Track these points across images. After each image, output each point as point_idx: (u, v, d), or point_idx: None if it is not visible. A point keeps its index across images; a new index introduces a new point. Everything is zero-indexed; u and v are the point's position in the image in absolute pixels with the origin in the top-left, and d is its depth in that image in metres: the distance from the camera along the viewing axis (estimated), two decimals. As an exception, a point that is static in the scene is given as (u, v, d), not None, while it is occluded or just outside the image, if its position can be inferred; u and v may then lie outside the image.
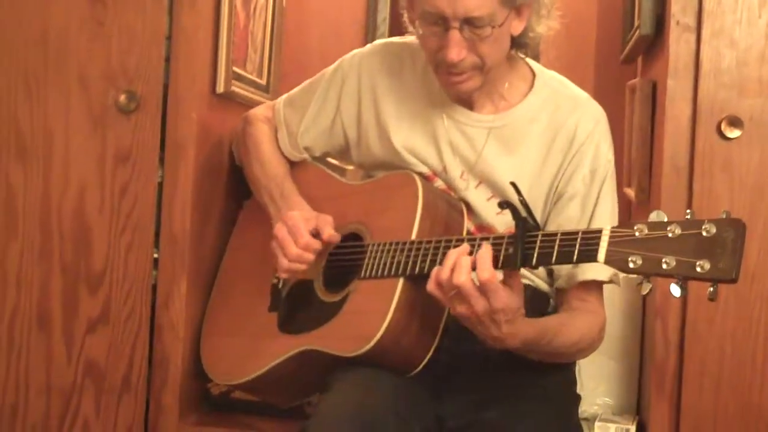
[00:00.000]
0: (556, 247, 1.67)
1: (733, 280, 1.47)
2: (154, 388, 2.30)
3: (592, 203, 2.00)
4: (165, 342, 2.28)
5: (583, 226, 1.96)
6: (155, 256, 2.29)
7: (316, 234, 2.02)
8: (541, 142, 2.02)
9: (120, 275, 2.29)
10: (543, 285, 2.05)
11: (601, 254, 1.58)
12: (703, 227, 1.49)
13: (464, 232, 1.97)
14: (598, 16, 3.23)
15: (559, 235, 1.68)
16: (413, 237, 1.91)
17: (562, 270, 2.00)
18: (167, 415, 2.29)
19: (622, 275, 1.96)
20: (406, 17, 1.99)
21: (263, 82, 2.75)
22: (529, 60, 2.09)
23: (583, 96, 2.08)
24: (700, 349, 2.17)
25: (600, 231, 1.61)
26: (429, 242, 1.86)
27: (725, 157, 2.16)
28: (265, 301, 2.18)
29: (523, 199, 1.74)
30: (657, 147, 2.34)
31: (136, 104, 2.26)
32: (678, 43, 2.19)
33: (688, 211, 1.53)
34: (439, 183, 2.06)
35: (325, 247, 2.04)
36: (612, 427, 2.36)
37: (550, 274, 2.05)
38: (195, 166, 2.27)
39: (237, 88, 2.46)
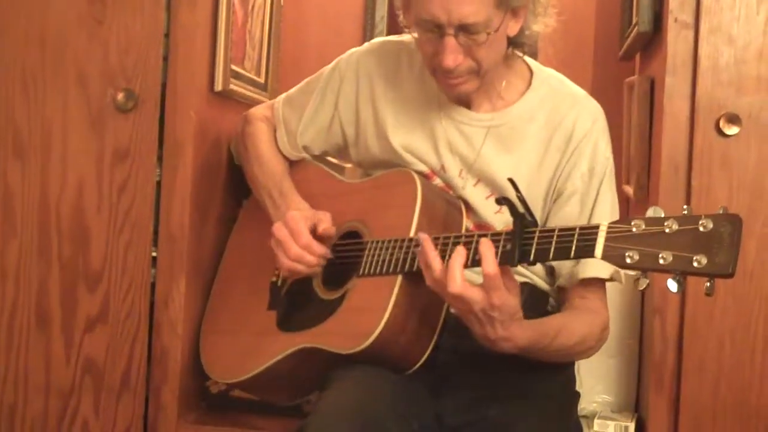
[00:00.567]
0: (553, 243, 1.66)
1: (730, 275, 1.47)
2: (153, 386, 2.31)
3: (591, 201, 2.00)
4: (164, 340, 2.29)
5: (582, 224, 1.96)
6: (154, 254, 2.30)
7: (314, 230, 2.02)
8: (539, 140, 2.02)
9: (119, 273, 2.30)
10: (541, 283, 2.05)
11: (598, 250, 1.58)
12: (700, 222, 1.48)
13: (463, 230, 1.97)
14: (597, 13, 3.23)
15: (556, 231, 1.67)
16: (412, 234, 1.90)
17: (563, 268, 2.00)
18: (166, 413, 2.29)
19: (622, 272, 1.96)
20: (401, 19, 1.99)
21: (261, 80, 2.75)
22: (526, 58, 2.09)
23: (581, 93, 2.08)
24: (699, 346, 2.17)
25: (597, 227, 1.61)
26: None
27: (723, 154, 2.16)
28: (264, 299, 2.18)
29: (521, 195, 1.74)
30: (655, 144, 2.34)
31: (135, 103, 2.26)
32: (676, 40, 2.19)
33: (685, 206, 1.52)
34: (437, 181, 2.06)
35: (323, 244, 2.04)
36: (611, 424, 2.36)
37: (551, 273, 2.05)
38: (193, 164, 2.28)
39: (235, 87, 2.46)
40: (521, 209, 1.71)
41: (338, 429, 1.74)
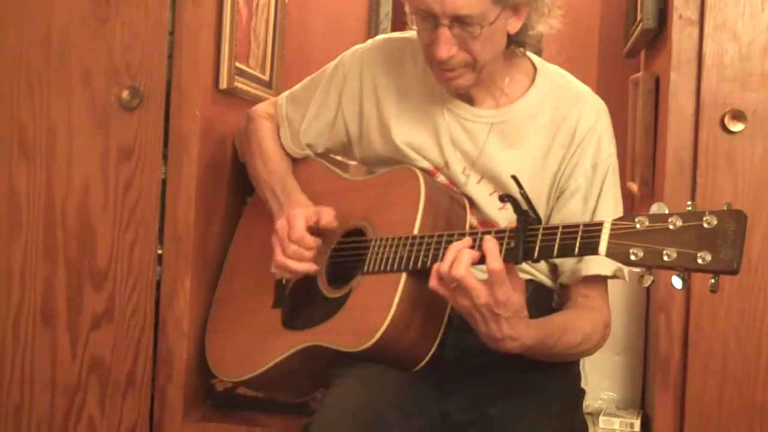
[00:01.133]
0: (557, 241, 1.66)
1: (735, 271, 1.46)
2: (158, 384, 2.31)
3: (594, 198, 1.99)
4: (169, 338, 2.29)
5: (585, 221, 1.96)
6: (159, 252, 2.30)
7: (317, 228, 2.02)
8: (542, 137, 2.02)
9: (124, 272, 2.30)
10: (545, 280, 2.05)
11: (602, 247, 1.58)
12: (704, 219, 1.48)
13: (467, 227, 1.97)
14: (601, 10, 3.23)
15: (560, 228, 1.67)
16: (416, 232, 1.90)
17: (566, 266, 2.00)
18: (172, 411, 2.30)
19: (626, 269, 1.96)
20: (407, 8, 1.99)
21: (266, 77, 2.75)
22: (530, 54, 2.08)
23: (585, 90, 2.07)
24: (704, 342, 2.17)
25: (601, 224, 1.61)
26: (431, 237, 1.86)
27: (728, 151, 2.16)
28: (269, 297, 2.18)
29: (524, 192, 1.74)
30: (660, 141, 2.34)
31: (139, 101, 2.26)
32: (681, 37, 2.19)
33: (689, 203, 1.52)
34: (440, 178, 2.06)
35: (327, 242, 2.04)
36: (616, 421, 2.36)
37: (554, 270, 2.05)
38: (198, 162, 2.28)
39: (240, 84, 2.47)
40: (525, 206, 1.71)
41: (343, 426, 1.74)
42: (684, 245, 1.49)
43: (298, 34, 3.22)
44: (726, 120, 2.15)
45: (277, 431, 2.33)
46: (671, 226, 1.51)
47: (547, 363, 1.92)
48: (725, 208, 1.49)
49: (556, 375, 2.00)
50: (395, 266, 1.89)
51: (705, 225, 1.48)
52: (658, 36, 2.52)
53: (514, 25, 1.93)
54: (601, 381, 2.48)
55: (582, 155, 2.00)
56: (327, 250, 2.07)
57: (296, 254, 2.00)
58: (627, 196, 2.37)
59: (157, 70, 2.27)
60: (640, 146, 2.53)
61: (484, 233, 1.75)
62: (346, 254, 2.04)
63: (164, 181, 2.29)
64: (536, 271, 2.04)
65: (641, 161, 2.51)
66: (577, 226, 1.65)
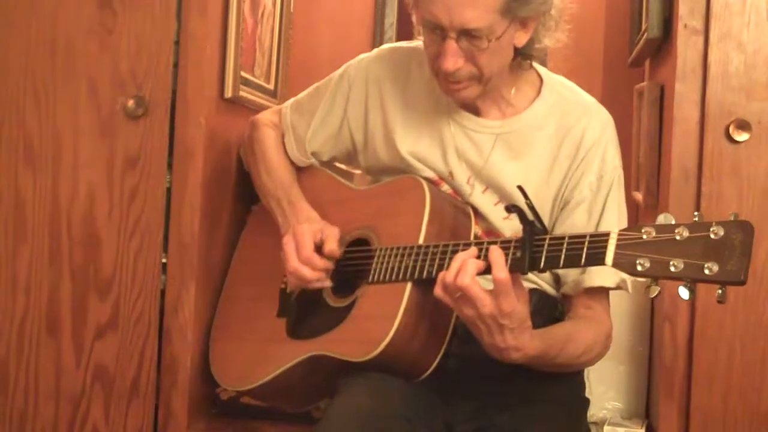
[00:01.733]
0: (563, 251, 1.66)
1: (742, 282, 1.47)
2: (163, 392, 2.30)
3: (598, 210, 1.99)
4: (174, 347, 2.29)
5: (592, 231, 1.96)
6: (164, 260, 2.30)
7: (320, 245, 2.02)
8: (548, 149, 2.02)
9: (129, 280, 2.30)
10: (550, 289, 2.05)
11: (609, 257, 1.58)
12: (711, 229, 1.48)
13: (472, 236, 1.97)
14: (606, 19, 3.24)
15: (566, 238, 1.67)
16: (421, 241, 1.90)
17: (569, 276, 2.00)
18: (176, 419, 2.29)
19: (630, 280, 1.96)
20: (414, 18, 1.99)
21: (271, 87, 2.75)
22: (537, 65, 2.09)
23: (591, 101, 2.08)
24: (709, 352, 2.16)
25: (607, 234, 1.61)
26: (437, 247, 1.86)
27: (733, 161, 2.15)
28: (273, 306, 2.18)
29: (530, 202, 1.74)
30: (665, 150, 2.34)
31: (145, 110, 2.26)
32: (686, 47, 2.19)
33: (695, 213, 1.53)
34: (445, 188, 2.06)
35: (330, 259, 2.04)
36: (621, 431, 2.36)
37: (557, 280, 2.05)
38: (203, 170, 2.28)
39: (245, 93, 2.47)
40: (531, 216, 1.71)
41: (349, 435, 1.74)
42: (691, 256, 1.49)
43: (304, 43, 3.22)
44: (731, 129, 2.15)
45: (282, 440, 2.33)
46: (678, 237, 1.51)
47: (552, 373, 1.92)
48: (732, 218, 1.49)
49: (560, 384, 1.99)
50: (400, 276, 1.89)
51: (712, 236, 1.48)
52: (663, 45, 2.52)
53: (521, 39, 1.94)
54: (605, 390, 2.48)
55: (587, 167, 2.00)
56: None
57: (295, 270, 2.00)
58: (632, 205, 2.37)
59: (162, 80, 2.27)
60: (644, 156, 2.53)
61: (490, 243, 1.75)
62: (351, 263, 2.04)
63: (169, 190, 2.29)
64: (540, 279, 2.04)
65: (646, 171, 2.51)
66: (584, 236, 1.65)
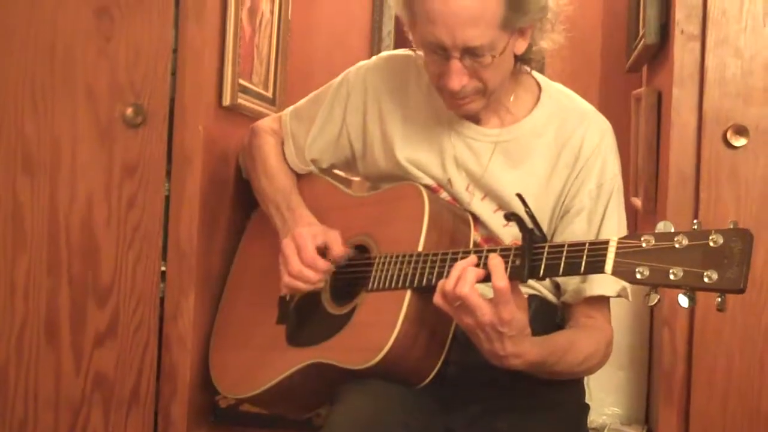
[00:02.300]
0: (563, 259, 1.66)
1: (741, 291, 1.47)
2: (162, 400, 2.30)
3: (598, 218, 1.99)
4: (173, 354, 2.29)
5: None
6: (163, 268, 2.30)
7: (323, 250, 2.02)
8: (547, 157, 2.02)
9: (128, 288, 2.30)
10: (550, 296, 2.04)
11: (608, 265, 1.58)
12: (710, 238, 1.49)
13: (471, 244, 1.97)
14: (603, 25, 3.24)
15: (566, 246, 1.67)
16: (420, 248, 1.91)
17: (569, 285, 1.99)
18: (175, 427, 2.29)
19: (630, 289, 1.96)
20: (411, 38, 1.99)
21: (269, 94, 2.75)
22: (534, 73, 2.09)
23: (590, 110, 2.07)
24: (709, 358, 2.17)
25: (607, 242, 1.61)
26: (436, 254, 1.86)
27: (731, 166, 2.16)
28: (273, 313, 2.18)
29: (530, 210, 1.74)
30: (663, 156, 2.34)
31: (143, 118, 2.26)
32: (683, 52, 2.19)
33: (695, 221, 1.53)
34: (444, 195, 2.06)
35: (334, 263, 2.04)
36: (620, 436, 2.37)
37: (557, 288, 2.05)
38: (202, 178, 2.28)
39: (243, 101, 2.47)
40: (530, 224, 1.71)
41: (349, 443, 1.74)
42: (690, 264, 1.49)
43: (302, 51, 3.23)
44: (728, 135, 2.15)
45: (281, 448, 2.34)
46: (677, 245, 1.51)
47: (551, 379, 1.92)
48: (731, 226, 1.49)
49: (560, 390, 1.99)
50: (400, 283, 1.89)
51: (711, 244, 1.48)
52: (660, 51, 2.52)
53: (520, 46, 1.94)
54: (605, 396, 2.48)
55: (587, 176, 2.00)
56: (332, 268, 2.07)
57: (299, 273, 2.00)
58: (630, 210, 2.37)
59: (160, 88, 2.27)
60: (642, 161, 2.54)
61: (489, 251, 1.75)
62: (351, 271, 2.04)
63: (168, 198, 2.29)
64: (540, 286, 2.03)
65: (644, 176, 2.51)
66: (583, 244, 1.65)
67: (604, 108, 2.11)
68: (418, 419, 1.85)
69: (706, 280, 1.47)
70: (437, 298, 1.74)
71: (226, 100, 2.37)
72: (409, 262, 1.89)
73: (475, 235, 2.00)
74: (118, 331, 2.30)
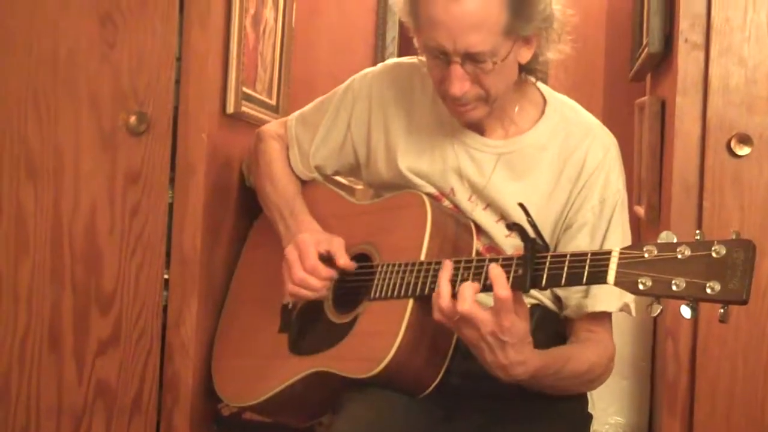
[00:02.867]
0: (565, 269, 1.66)
1: (744, 302, 1.46)
2: (165, 408, 2.30)
3: (601, 233, 1.98)
4: (176, 362, 2.29)
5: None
6: (166, 276, 2.30)
7: (327, 257, 2.02)
8: (550, 170, 2.01)
9: (131, 296, 2.30)
10: (552, 306, 2.04)
11: (611, 276, 1.58)
12: (713, 248, 1.48)
13: (473, 252, 1.97)
14: (607, 34, 3.24)
15: (568, 256, 1.67)
16: (422, 257, 1.90)
17: (571, 300, 1.98)
18: (178, 435, 2.30)
19: (633, 304, 1.95)
20: (415, 42, 1.99)
21: (273, 102, 2.75)
22: (539, 84, 2.08)
23: (594, 123, 2.06)
24: (712, 368, 2.16)
25: (609, 252, 1.60)
26: (438, 263, 1.85)
27: (735, 175, 2.16)
28: (275, 321, 2.18)
29: (532, 219, 1.73)
30: (666, 165, 2.34)
31: (147, 125, 2.26)
32: (686, 61, 2.19)
33: (697, 231, 1.52)
34: (446, 203, 2.05)
35: (334, 267, 2.04)
36: (624, 446, 2.36)
37: (559, 301, 2.04)
38: (205, 186, 2.28)
39: (247, 109, 2.47)
40: (532, 234, 1.71)
41: (351, 452, 1.74)
42: (693, 275, 1.49)
43: (305, 59, 3.23)
44: (732, 144, 2.15)
45: (284, 456, 2.33)
46: (680, 256, 1.50)
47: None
48: (734, 237, 1.48)
49: (563, 400, 1.98)
50: (402, 292, 1.89)
51: (714, 254, 1.48)
52: (663, 60, 2.52)
53: (525, 55, 1.93)
54: (608, 406, 2.48)
55: (590, 190, 1.99)
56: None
57: (302, 280, 2.00)
58: (633, 219, 2.36)
59: (164, 95, 2.27)
60: (646, 170, 2.53)
61: (491, 260, 1.74)
62: (353, 279, 2.04)
63: (171, 206, 2.29)
64: (541, 296, 2.03)
65: (647, 185, 2.51)
66: (585, 254, 1.65)
67: (607, 116, 2.11)
68: (420, 429, 1.85)
69: (708, 291, 1.47)
70: (436, 315, 1.74)
71: (230, 108, 2.37)
72: (411, 271, 1.89)
73: (477, 244, 1.99)
74: (121, 339, 2.30)
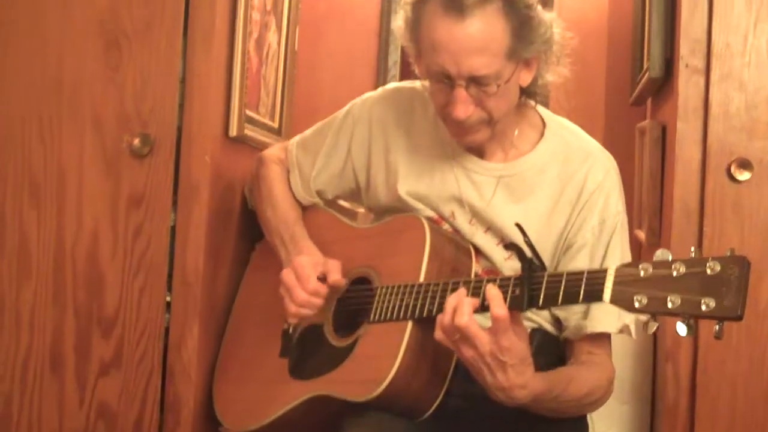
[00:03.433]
0: (562, 288, 1.66)
1: (739, 318, 1.46)
2: (166, 431, 2.30)
3: (600, 254, 1.98)
4: (177, 385, 2.28)
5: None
6: (168, 299, 2.30)
7: (323, 279, 2.02)
8: (549, 193, 2.01)
9: (133, 318, 2.30)
10: (552, 329, 2.04)
11: (607, 294, 1.58)
12: (708, 265, 1.48)
13: (472, 275, 1.97)
14: (608, 59, 3.25)
15: (564, 275, 1.67)
16: (421, 279, 1.91)
17: (570, 321, 1.98)
18: (179, 459, 2.29)
19: (633, 325, 1.95)
20: (415, 69, 2.00)
21: (275, 125, 2.77)
22: (539, 107, 2.09)
23: (594, 147, 2.07)
24: (712, 391, 2.15)
25: (605, 271, 1.61)
26: (437, 285, 1.86)
27: (735, 200, 2.16)
28: (276, 345, 2.18)
29: (529, 240, 1.74)
30: (667, 189, 2.34)
31: (150, 148, 2.27)
32: (687, 86, 2.20)
33: (692, 249, 1.53)
34: (446, 227, 2.06)
35: (333, 291, 2.04)
36: (625, 470, 2.35)
37: (558, 322, 2.04)
38: (208, 209, 2.28)
39: (250, 132, 2.48)
40: (529, 254, 1.71)
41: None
42: (688, 292, 1.49)
43: (308, 82, 3.24)
44: (732, 169, 2.15)
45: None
46: (675, 273, 1.51)
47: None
48: (728, 254, 1.49)
49: (563, 424, 1.98)
50: (401, 314, 1.89)
51: (708, 271, 1.48)
52: (664, 85, 2.53)
53: (525, 78, 1.95)
54: (608, 429, 2.47)
55: (589, 212, 1.99)
56: (333, 298, 2.07)
57: (307, 303, 2.00)
58: (634, 244, 2.37)
59: (168, 118, 2.28)
60: (646, 194, 2.54)
61: (488, 281, 1.75)
62: (353, 302, 2.04)
63: (173, 228, 2.29)
64: (541, 319, 2.03)
65: (648, 209, 2.51)
66: (582, 273, 1.65)
67: (608, 141, 2.12)
68: (420, 451, 1.85)
69: (703, 307, 1.47)
70: (438, 334, 1.74)
71: (233, 131, 2.38)
72: (410, 293, 1.89)
73: (476, 267, 2.00)
74: (123, 362, 2.30)
